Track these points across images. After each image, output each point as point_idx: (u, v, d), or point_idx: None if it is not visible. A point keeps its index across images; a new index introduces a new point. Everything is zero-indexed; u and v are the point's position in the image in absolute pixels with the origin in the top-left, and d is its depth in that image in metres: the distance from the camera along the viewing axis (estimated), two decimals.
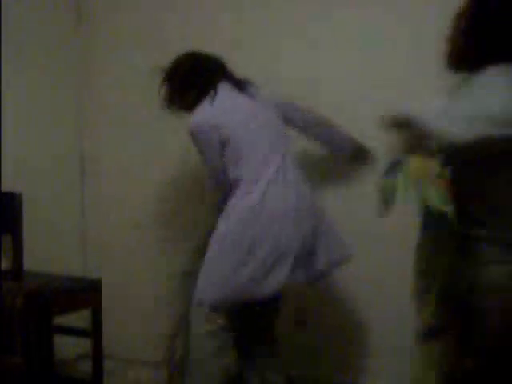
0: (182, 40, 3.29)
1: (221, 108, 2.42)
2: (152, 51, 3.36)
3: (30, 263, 3.00)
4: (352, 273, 3.00)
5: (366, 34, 2.92)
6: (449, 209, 1.78)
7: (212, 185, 2.64)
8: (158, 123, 3.38)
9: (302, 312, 3.11)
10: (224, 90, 2.46)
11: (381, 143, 2.60)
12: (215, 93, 2.43)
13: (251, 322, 2.56)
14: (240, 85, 2.50)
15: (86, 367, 3.07)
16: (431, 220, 1.88)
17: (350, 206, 2.95)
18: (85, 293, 2.84)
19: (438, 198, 1.83)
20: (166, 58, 3.32)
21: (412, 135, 1.73)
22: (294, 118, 2.66)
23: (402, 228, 2.92)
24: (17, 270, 2.97)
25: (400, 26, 2.85)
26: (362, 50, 2.93)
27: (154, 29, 3.36)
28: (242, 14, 3.16)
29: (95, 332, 2.83)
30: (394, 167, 1.87)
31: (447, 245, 1.87)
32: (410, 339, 2.91)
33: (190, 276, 2.64)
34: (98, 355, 2.86)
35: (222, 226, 2.32)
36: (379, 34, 2.89)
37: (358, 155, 2.81)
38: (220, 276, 2.25)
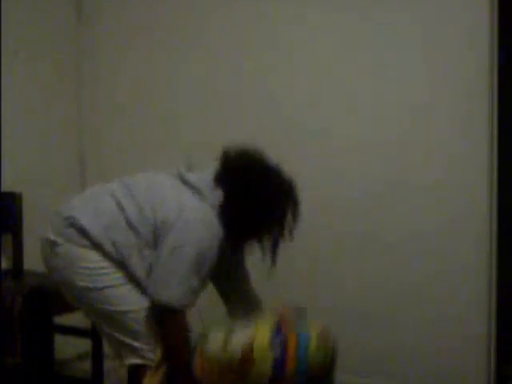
0: (182, 39, 3.30)
1: None
2: (152, 51, 3.37)
3: (30, 263, 3.00)
4: (352, 272, 3.03)
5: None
6: None
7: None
8: (159, 123, 3.39)
9: (301, 312, 3.11)
10: None
11: None
12: None
13: None
14: None
15: (85, 367, 3.07)
16: None
17: None
18: None
19: None
20: (166, 58, 3.35)
21: None
22: None
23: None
24: (17, 270, 2.97)
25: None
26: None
27: (153, 28, 3.36)
28: (242, 16, 3.17)
29: (95, 332, 2.83)
30: None
31: None
32: (410, 339, 2.93)
33: None
34: (97, 355, 2.86)
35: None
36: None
37: None
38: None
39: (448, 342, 2.84)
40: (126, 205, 2.04)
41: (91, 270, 2.01)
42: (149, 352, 2.03)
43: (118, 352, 2.10)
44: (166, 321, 2.00)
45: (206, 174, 2.11)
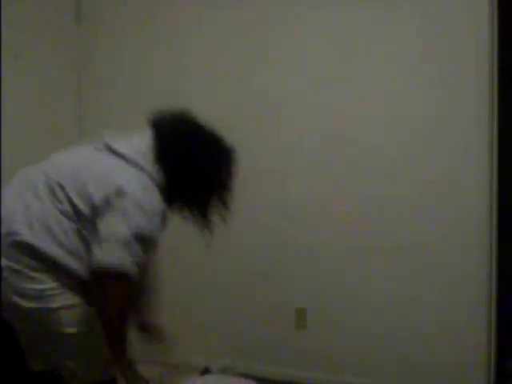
0: (181, 40, 3.30)
1: None
2: (152, 50, 3.37)
3: None
4: (352, 278, 3.03)
5: None
6: None
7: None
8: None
9: (302, 312, 3.12)
10: None
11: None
12: None
13: None
14: None
15: None
16: None
17: None
18: None
19: None
20: (165, 58, 3.35)
21: None
22: None
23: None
24: None
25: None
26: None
27: (153, 28, 3.36)
28: (242, 14, 3.17)
29: None
30: None
31: None
32: (408, 340, 2.93)
33: None
34: None
35: None
36: None
37: None
38: None
39: (448, 341, 2.85)
40: (62, 204, 1.89)
41: (42, 291, 1.87)
42: (85, 373, 1.97)
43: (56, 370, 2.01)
44: (107, 286, 1.84)
45: (138, 143, 2.02)
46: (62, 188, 1.90)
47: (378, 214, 2.95)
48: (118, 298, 1.87)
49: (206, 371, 3.11)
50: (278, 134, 3.12)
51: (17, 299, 1.87)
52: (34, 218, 1.88)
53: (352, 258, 3.01)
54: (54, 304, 1.88)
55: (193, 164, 1.99)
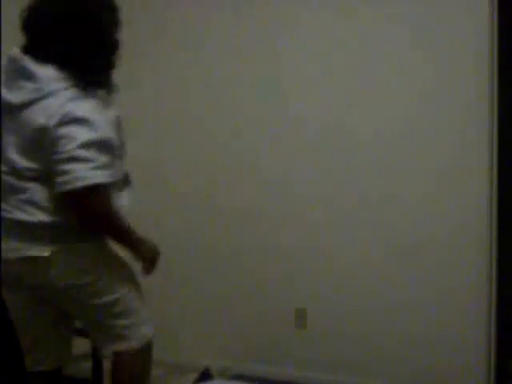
0: (182, 37, 3.30)
1: None
2: (152, 50, 3.37)
3: None
4: (351, 276, 3.04)
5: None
6: None
7: None
8: (156, 122, 3.39)
9: (302, 312, 3.12)
10: None
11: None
12: None
13: None
14: None
15: (85, 367, 3.06)
16: None
17: None
18: None
19: None
20: (166, 56, 3.35)
21: None
22: None
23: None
24: None
25: None
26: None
27: (153, 28, 3.36)
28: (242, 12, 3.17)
29: None
30: None
31: None
32: (408, 340, 2.93)
33: None
34: (97, 355, 2.85)
35: None
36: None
37: None
38: None
39: (448, 341, 2.85)
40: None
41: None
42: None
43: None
44: (89, 202, 1.82)
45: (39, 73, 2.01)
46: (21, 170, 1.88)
47: (378, 215, 2.95)
48: (103, 207, 1.88)
49: (205, 371, 3.11)
50: (278, 135, 3.12)
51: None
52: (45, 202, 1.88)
53: (352, 259, 3.01)
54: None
55: (83, 34, 1.99)
